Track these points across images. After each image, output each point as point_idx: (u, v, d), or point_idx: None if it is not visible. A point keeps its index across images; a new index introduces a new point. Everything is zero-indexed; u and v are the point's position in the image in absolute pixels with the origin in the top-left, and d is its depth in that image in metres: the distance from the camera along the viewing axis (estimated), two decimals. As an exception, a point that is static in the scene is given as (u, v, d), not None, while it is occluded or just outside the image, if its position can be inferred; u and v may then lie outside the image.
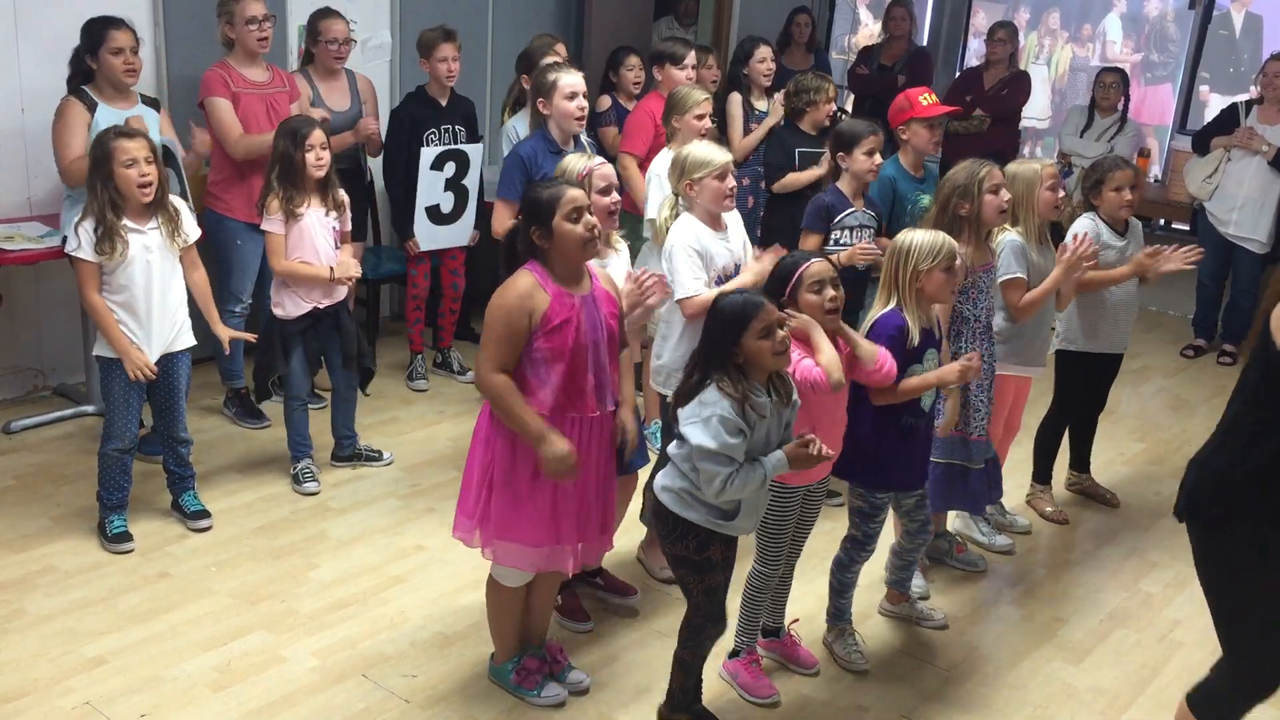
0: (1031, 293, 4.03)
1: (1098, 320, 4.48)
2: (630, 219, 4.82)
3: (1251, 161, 6.49)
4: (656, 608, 3.84)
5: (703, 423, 2.84)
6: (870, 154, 4.17)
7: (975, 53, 9.39)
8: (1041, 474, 4.77)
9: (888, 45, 7.79)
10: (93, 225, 3.74)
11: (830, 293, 3.15)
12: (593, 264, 3.18)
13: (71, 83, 4.50)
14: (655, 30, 7.70)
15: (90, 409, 5.03)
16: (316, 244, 4.29)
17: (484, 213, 5.28)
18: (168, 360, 3.98)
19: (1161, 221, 8.07)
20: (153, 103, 4.70)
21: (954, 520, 4.38)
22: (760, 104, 5.78)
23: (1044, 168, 4.11)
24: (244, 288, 4.98)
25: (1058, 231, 4.55)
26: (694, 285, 3.57)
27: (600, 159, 3.59)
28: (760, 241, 5.26)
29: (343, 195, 4.41)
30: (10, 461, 4.63)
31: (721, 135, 5.61)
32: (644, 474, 3.79)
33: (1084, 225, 4.36)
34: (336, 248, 4.36)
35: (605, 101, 5.90)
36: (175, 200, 3.96)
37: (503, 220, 4.45)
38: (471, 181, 5.40)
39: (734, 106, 5.79)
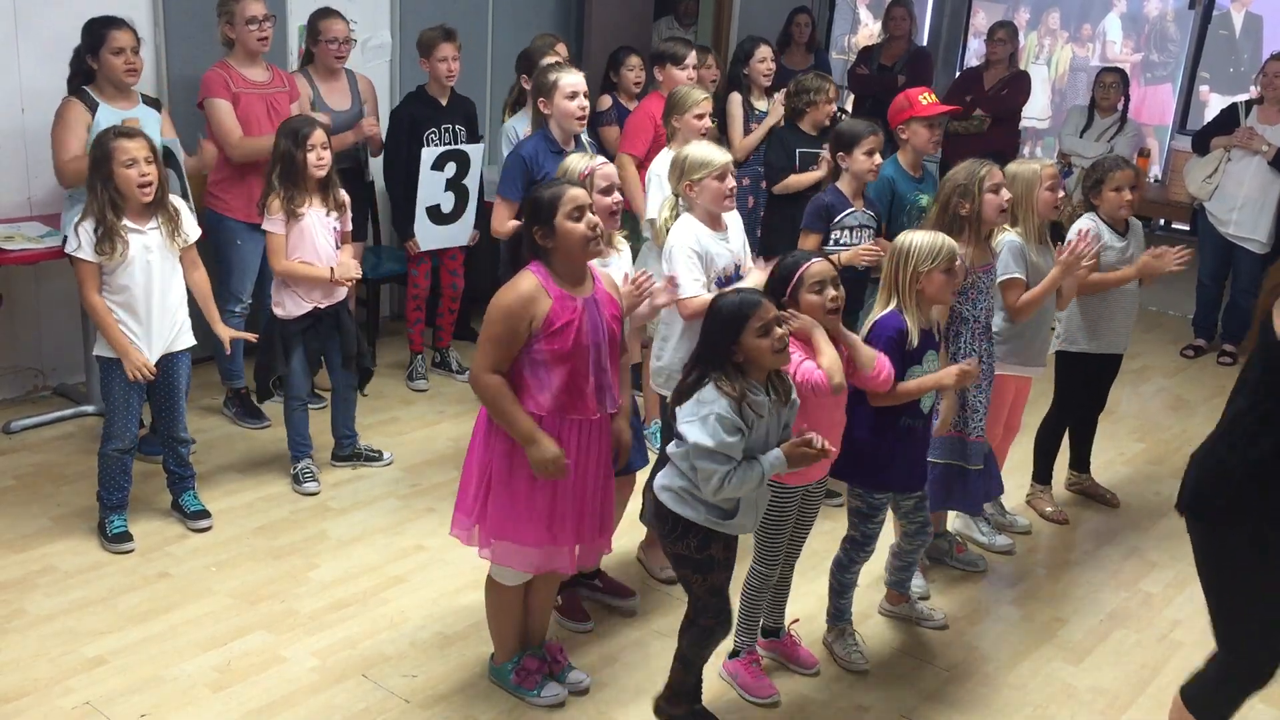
0: (1029, 293, 4.03)
1: (1098, 320, 4.48)
2: (629, 219, 4.82)
3: (1251, 161, 6.49)
4: (656, 608, 3.84)
5: (700, 421, 2.84)
6: (870, 154, 4.17)
7: (975, 53, 9.39)
8: (1041, 474, 4.77)
9: (888, 45, 7.79)
10: (93, 225, 3.74)
11: (831, 293, 3.15)
12: (595, 265, 3.19)
13: (72, 83, 4.50)
14: (655, 30, 7.70)
15: (90, 409, 5.03)
16: (317, 244, 4.29)
17: (484, 213, 5.28)
18: (168, 360, 3.98)
19: (1161, 221, 8.07)
20: (154, 103, 4.70)
21: (954, 520, 4.38)
22: (760, 104, 5.78)
23: (1043, 168, 4.10)
24: (244, 288, 4.98)
25: (1058, 232, 4.55)
26: (693, 286, 3.57)
27: (602, 159, 3.59)
28: (760, 242, 5.27)
29: (343, 195, 4.41)
30: (10, 461, 4.63)
31: (721, 135, 5.61)
32: (644, 475, 3.79)
33: (1085, 226, 4.35)
34: (337, 248, 4.37)
35: (606, 101, 5.91)
36: (175, 200, 3.96)
37: (502, 219, 4.45)
38: (472, 181, 5.40)
39: (734, 106, 5.79)
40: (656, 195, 4.54)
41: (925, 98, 4.51)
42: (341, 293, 4.43)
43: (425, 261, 5.57)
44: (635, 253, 4.22)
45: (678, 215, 3.74)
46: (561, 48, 5.45)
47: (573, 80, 4.40)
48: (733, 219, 3.82)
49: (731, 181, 3.65)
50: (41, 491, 4.40)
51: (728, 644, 3.38)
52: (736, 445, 2.84)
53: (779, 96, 5.47)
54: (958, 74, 8.71)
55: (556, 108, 4.41)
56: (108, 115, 4.40)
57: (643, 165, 5.22)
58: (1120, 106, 7.07)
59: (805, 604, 3.76)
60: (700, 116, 4.55)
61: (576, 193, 3.01)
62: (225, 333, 4.23)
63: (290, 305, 4.34)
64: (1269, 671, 2.73)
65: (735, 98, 5.82)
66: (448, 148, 5.30)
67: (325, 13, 5.21)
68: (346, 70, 5.33)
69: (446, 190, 5.33)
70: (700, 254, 3.62)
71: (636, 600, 3.81)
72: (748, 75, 5.83)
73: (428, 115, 5.40)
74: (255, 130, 4.81)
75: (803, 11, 7.45)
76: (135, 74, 4.46)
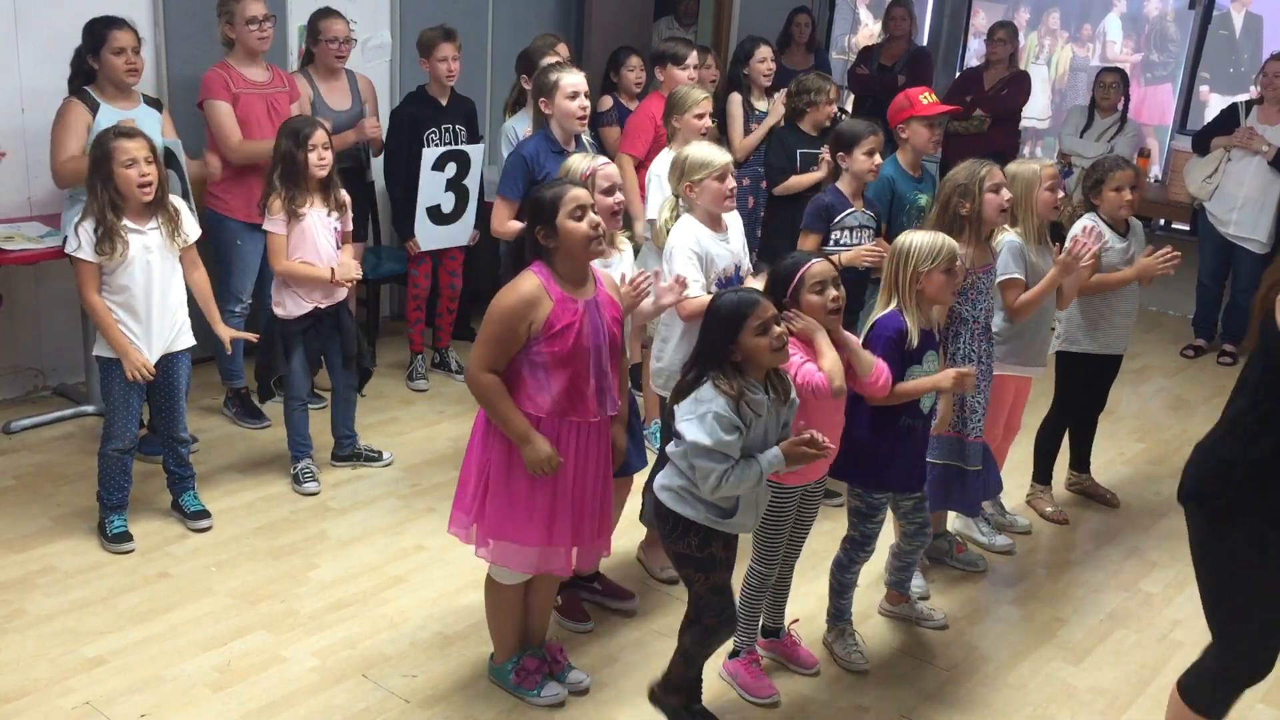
0: (1027, 293, 4.03)
1: (1098, 320, 4.49)
2: (628, 219, 4.82)
3: (1251, 161, 6.49)
4: (656, 608, 3.84)
5: (698, 419, 2.85)
6: (870, 154, 4.17)
7: (975, 53, 9.39)
8: (1041, 474, 4.77)
9: (888, 45, 7.79)
10: (93, 225, 3.74)
11: (832, 293, 3.15)
12: (597, 265, 3.19)
13: (73, 83, 4.50)
14: (655, 30, 7.70)
15: (90, 409, 5.03)
16: (318, 244, 4.29)
17: (484, 213, 5.28)
18: (168, 360, 3.98)
19: (1161, 221, 8.07)
20: (155, 103, 4.70)
21: (954, 520, 4.38)
22: (760, 104, 5.78)
23: (1043, 168, 4.11)
24: (244, 288, 4.98)
25: (1058, 232, 4.55)
26: (692, 287, 3.56)
27: (604, 159, 3.59)
28: (760, 242, 5.27)
29: (344, 195, 4.41)
30: (10, 461, 4.63)
31: (721, 135, 5.61)
32: (643, 476, 3.79)
33: (1087, 224, 4.35)
34: (338, 248, 4.37)
35: (607, 102, 5.91)
36: (175, 200, 3.96)
37: (502, 219, 4.45)
38: (472, 182, 5.41)
39: (734, 107, 5.79)
40: (656, 195, 4.55)
41: (926, 97, 4.51)
42: (342, 293, 4.43)
43: (426, 261, 5.58)
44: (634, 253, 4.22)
45: (678, 216, 3.74)
46: (562, 48, 5.45)
47: (574, 80, 4.39)
48: (733, 220, 3.82)
49: (732, 182, 3.65)
50: (41, 491, 4.40)
51: (728, 644, 3.38)
52: (734, 444, 2.84)
53: (779, 96, 5.47)
54: (958, 74, 8.70)
55: (557, 108, 4.40)
56: (109, 116, 4.39)
57: (642, 165, 5.22)
58: (1120, 106, 7.07)
59: (805, 604, 3.76)
60: (700, 116, 4.55)
61: (578, 192, 3.01)
62: (226, 333, 4.23)
63: (291, 305, 4.34)
64: (1266, 667, 2.74)
65: (735, 98, 5.82)
66: (448, 148, 5.31)
67: (325, 13, 5.21)
68: (347, 70, 5.34)
69: (447, 190, 5.33)
70: (700, 255, 3.62)
71: (636, 603, 3.81)
72: (748, 75, 5.83)
73: (428, 115, 5.40)
74: (255, 130, 4.81)
75: (803, 11, 7.46)
76: (136, 74, 4.47)
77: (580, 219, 2.97)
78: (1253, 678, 2.76)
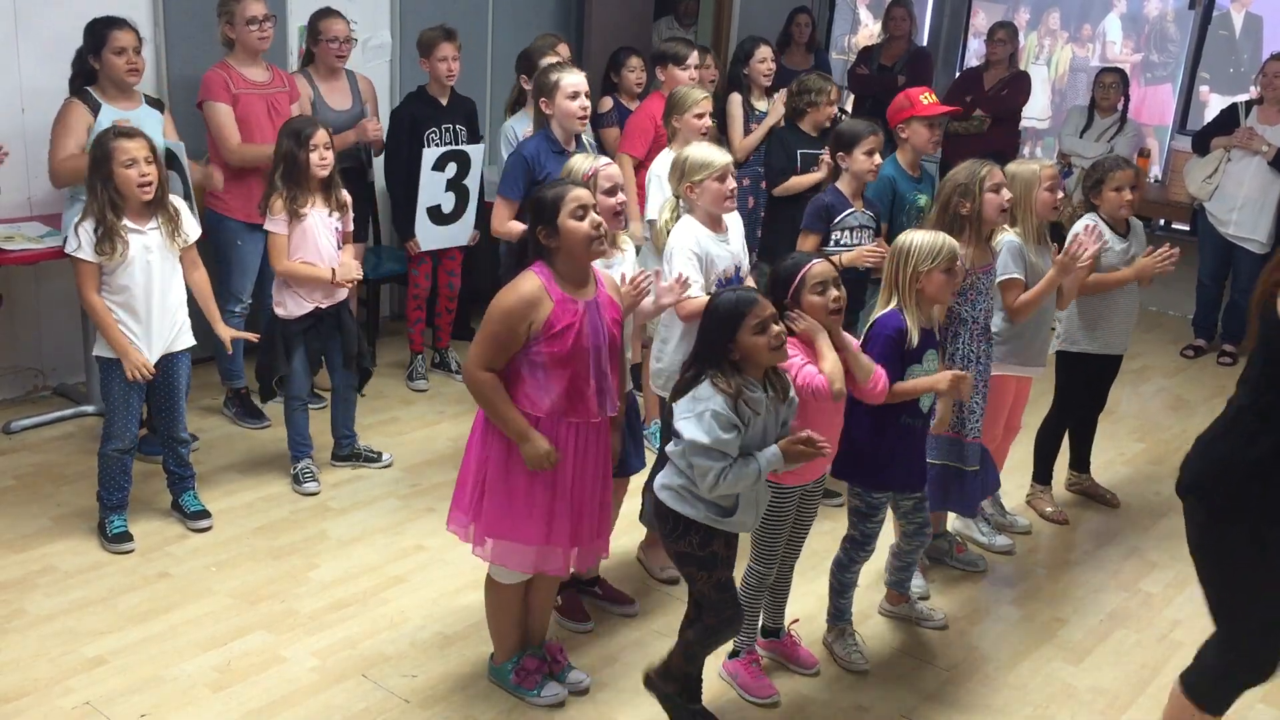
0: (1027, 294, 4.03)
1: (1098, 320, 4.49)
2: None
3: (1251, 162, 6.49)
4: (656, 608, 3.84)
5: (696, 417, 2.85)
6: (870, 154, 4.17)
7: (975, 53, 9.38)
8: (1041, 474, 4.77)
9: (888, 45, 7.79)
10: (93, 225, 3.74)
11: (834, 293, 3.15)
12: (598, 265, 3.19)
13: (74, 83, 4.50)
14: (655, 30, 7.69)
15: (90, 409, 5.03)
16: (319, 244, 4.29)
17: (484, 213, 5.28)
18: (168, 360, 3.98)
19: (1161, 221, 8.07)
20: (157, 104, 4.70)
21: (954, 520, 4.38)
22: (760, 104, 5.77)
23: (1043, 168, 4.11)
24: (244, 288, 4.99)
25: (1059, 232, 4.55)
26: (692, 288, 3.56)
27: (606, 159, 3.59)
28: (761, 242, 5.27)
29: (345, 195, 4.41)
30: (10, 461, 4.63)
31: (721, 135, 5.61)
32: (642, 476, 3.79)
33: (1087, 224, 4.35)
34: (339, 248, 4.36)
35: (607, 103, 5.91)
36: (175, 200, 3.96)
37: (503, 219, 4.45)
38: (472, 182, 5.41)
39: (734, 107, 5.78)
40: (656, 196, 4.55)
41: (926, 97, 4.51)
42: (343, 293, 4.43)
43: (426, 261, 5.58)
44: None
45: (678, 217, 3.74)
46: (563, 48, 5.45)
47: (574, 80, 4.39)
48: (733, 220, 3.82)
49: (732, 183, 3.65)
50: (41, 491, 4.40)
51: (727, 644, 3.38)
52: (732, 442, 2.84)
53: (779, 96, 5.47)
54: (958, 74, 8.70)
55: (558, 108, 4.40)
56: (110, 116, 4.39)
57: (642, 166, 5.22)
58: (1120, 107, 7.07)
59: (805, 604, 3.76)
60: (700, 116, 4.54)
61: (580, 192, 3.02)
62: (226, 333, 4.23)
63: (292, 305, 4.34)
64: (1269, 666, 2.74)
65: (735, 98, 5.82)
66: (449, 148, 5.31)
67: (326, 12, 5.21)
68: (347, 70, 5.34)
69: (447, 190, 5.33)
70: (700, 256, 3.61)
71: (636, 608, 3.81)
72: (748, 75, 5.82)
73: (428, 115, 5.40)
74: (256, 130, 4.81)
75: (803, 11, 7.46)
76: (137, 74, 4.46)
77: (582, 219, 2.98)
78: (1255, 677, 2.75)
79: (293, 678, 3.38)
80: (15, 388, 5.22)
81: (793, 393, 3.01)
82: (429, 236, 5.40)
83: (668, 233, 3.71)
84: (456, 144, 5.40)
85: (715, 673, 3.44)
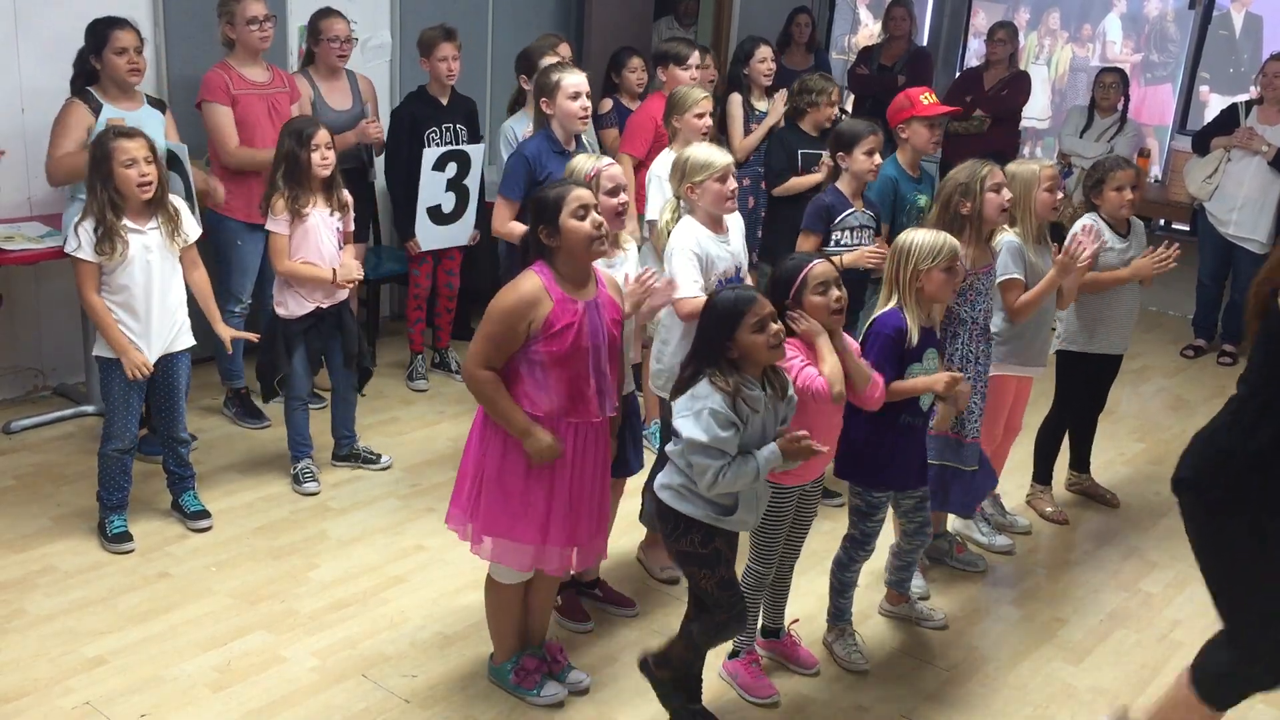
0: (1027, 294, 4.03)
1: (1098, 320, 4.49)
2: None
3: (1251, 162, 6.49)
4: (656, 608, 3.84)
5: (694, 416, 2.85)
6: (870, 154, 4.18)
7: (975, 53, 9.39)
8: (1041, 474, 4.77)
9: (888, 45, 7.79)
10: (92, 225, 3.74)
11: (835, 293, 3.15)
12: (600, 265, 3.19)
13: (75, 84, 4.50)
14: (655, 30, 7.70)
15: (90, 409, 5.03)
16: (321, 244, 4.29)
17: (484, 213, 5.28)
18: (167, 360, 3.98)
19: (1161, 221, 8.07)
20: (159, 104, 4.70)
21: (954, 521, 4.38)
22: (760, 104, 5.77)
23: (1042, 169, 4.11)
24: (244, 288, 4.99)
25: (1059, 232, 4.55)
26: (691, 288, 3.56)
27: (609, 159, 3.59)
28: (761, 242, 5.27)
29: (346, 195, 4.41)
30: (10, 461, 4.63)
31: (720, 135, 5.61)
32: (643, 476, 3.79)
33: (1086, 224, 4.35)
34: (340, 248, 4.36)
35: (607, 104, 5.90)
36: (175, 199, 3.96)
37: (504, 219, 4.45)
38: (472, 182, 5.41)
39: (734, 107, 5.78)
40: (656, 196, 4.55)
41: (926, 98, 4.51)
42: (344, 293, 4.43)
43: (427, 261, 5.58)
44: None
45: (679, 218, 3.74)
46: (564, 48, 5.44)
47: (575, 80, 4.39)
48: (734, 221, 3.82)
49: (733, 183, 3.65)
50: (41, 491, 4.40)
51: (727, 644, 3.38)
52: (730, 440, 2.84)
53: (780, 96, 5.47)
54: (958, 74, 8.70)
55: (559, 108, 4.40)
56: (112, 116, 4.39)
57: (642, 166, 5.22)
58: (1120, 106, 7.07)
59: (805, 604, 3.76)
60: (701, 115, 4.54)
61: (581, 192, 3.02)
62: (226, 332, 4.23)
63: (293, 305, 4.34)
64: (1277, 668, 2.73)
65: (735, 98, 5.81)
66: (449, 148, 5.31)
67: (326, 12, 5.21)
68: (347, 70, 5.34)
69: (447, 190, 5.33)
70: (701, 257, 3.61)
71: (636, 610, 3.81)
72: (748, 75, 5.82)
73: (429, 115, 5.40)
74: (256, 131, 4.82)
75: (803, 11, 7.45)
76: (139, 74, 4.46)
77: (583, 219, 2.98)
78: (1260, 672, 2.74)
79: (293, 678, 3.38)
80: (15, 388, 5.22)
81: (791, 391, 3.01)
82: (429, 236, 5.40)
83: (669, 233, 3.71)
84: (457, 144, 5.40)
85: (715, 673, 3.44)
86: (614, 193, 3.46)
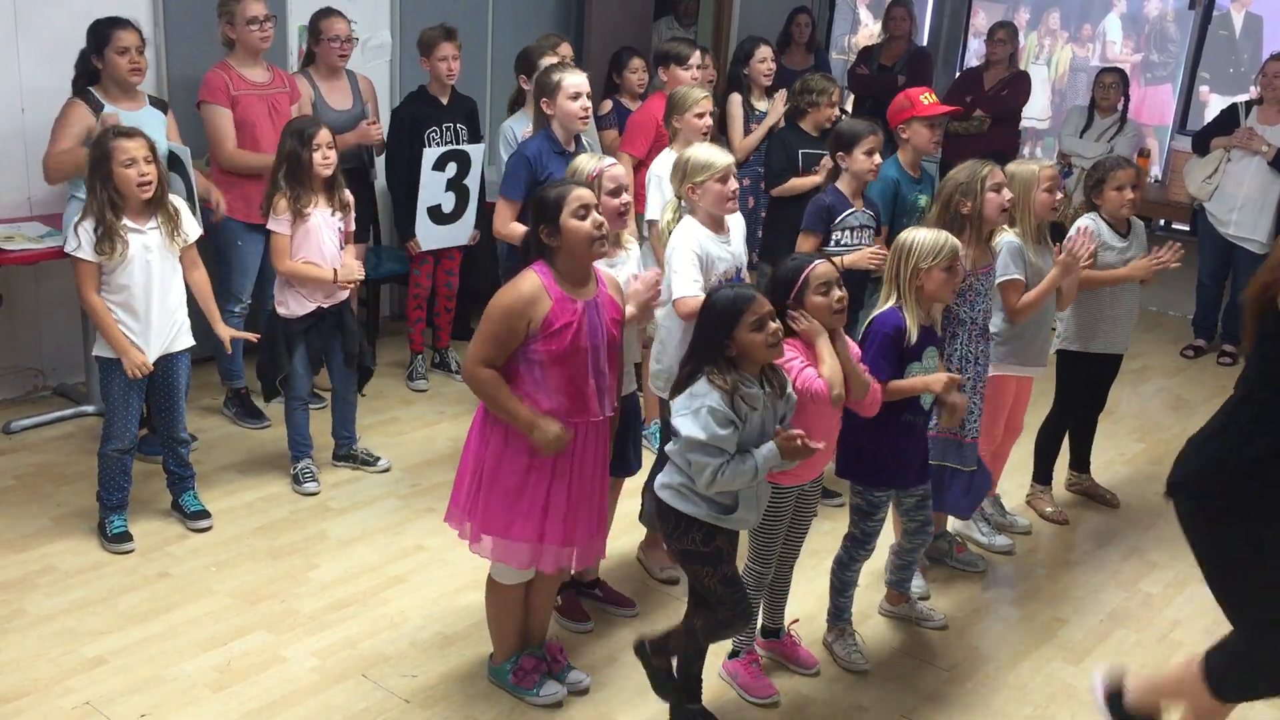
0: (1028, 294, 4.03)
1: (1098, 320, 4.49)
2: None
3: (1251, 162, 6.49)
4: (657, 608, 3.84)
5: (693, 414, 2.85)
6: (870, 154, 4.17)
7: (975, 53, 9.38)
8: (1041, 474, 4.77)
9: (888, 45, 7.78)
10: (92, 225, 3.74)
11: (837, 294, 3.15)
12: (602, 265, 3.19)
13: (77, 84, 4.50)
14: (655, 31, 7.70)
15: (90, 409, 5.03)
16: (322, 244, 4.29)
17: (484, 213, 5.28)
18: (167, 360, 3.98)
19: (1161, 222, 8.07)
20: (161, 105, 4.69)
21: (954, 521, 4.38)
22: (760, 104, 5.77)
23: (1042, 169, 4.11)
24: (244, 288, 4.99)
25: (1060, 232, 4.55)
26: (691, 287, 3.56)
27: (611, 160, 3.59)
28: (761, 242, 5.27)
29: (348, 195, 4.41)
30: (10, 461, 4.63)
31: (720, 135, 5.61)
32: (642, 476, 3.79)
33: (1085, 224, 4.35)
34: (341, 248, 4.36)
35: (606, 105, 5.90)
36: (175, 199, 3.96)
37: (504, 219, 4.45)
38: (473, 181, 5.41)
39: (734, 107, 5.78)
40: (657, 196, 4.55)
41: (926, 98, 4.51)
42: (344, 293, 4.43)
43: (427, 261, 5.58)
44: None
45: (680, 218, 3.74)
46: (565, 48, 5.44)
47: (576, 80, 4.39)
48: (735, 221, 3.82)
49: (734, 184, 3.65)
50: (41, 491, 4.40)
51: (727, 644, 3.38)
52: (729, 438, 2.84)
53: (780, 96, 5.46)
54: (958, 74, 8.70)
55: (559, 108, 4.40)
56: (107, 112, 4.39)
57: (642, 165, 5.22)
58: (1120, 107, 7.07)
59: (805, 604, 3.76)
60: (701, 115, 4.54)
61: (582, 192, 3.02)
62: (226, 332, 4.23)
63: (294, 304, 4.34)
64: (1275, 676, 2.72)
65: (735, 98, 5.81)
66: (449, 148, 5.31)
67: (326, 12, 5.21)
68: (347, 70, 5.34)
69: (447, 190, 5.33)
70: (701, 257, 3.61)
71: (636, 610, 3.81)
72: (748, 75, 5.82)
73: (429, 114, 5.40)
74: (256, 131, 4.82)
75: (803, 11, 7.45)
76: (140, 74, 4.46)
77: (584, 219, 2.98)
78: (1258, 684, 2.73)
79: (293, 678, 3.38)
80: (15, 388, 5.22)
81: (790, 389, 3.02)
82: (429, 236, 5.40)
83: (669, 234, 3.71)
84: (457, 144, 5.40)
85: (715, 673, 3.44)
86: (616, 193, 3.46)
